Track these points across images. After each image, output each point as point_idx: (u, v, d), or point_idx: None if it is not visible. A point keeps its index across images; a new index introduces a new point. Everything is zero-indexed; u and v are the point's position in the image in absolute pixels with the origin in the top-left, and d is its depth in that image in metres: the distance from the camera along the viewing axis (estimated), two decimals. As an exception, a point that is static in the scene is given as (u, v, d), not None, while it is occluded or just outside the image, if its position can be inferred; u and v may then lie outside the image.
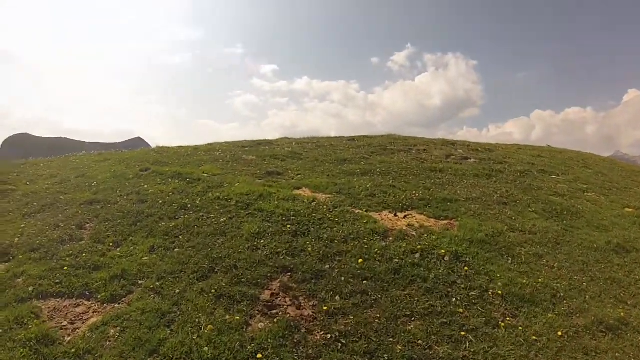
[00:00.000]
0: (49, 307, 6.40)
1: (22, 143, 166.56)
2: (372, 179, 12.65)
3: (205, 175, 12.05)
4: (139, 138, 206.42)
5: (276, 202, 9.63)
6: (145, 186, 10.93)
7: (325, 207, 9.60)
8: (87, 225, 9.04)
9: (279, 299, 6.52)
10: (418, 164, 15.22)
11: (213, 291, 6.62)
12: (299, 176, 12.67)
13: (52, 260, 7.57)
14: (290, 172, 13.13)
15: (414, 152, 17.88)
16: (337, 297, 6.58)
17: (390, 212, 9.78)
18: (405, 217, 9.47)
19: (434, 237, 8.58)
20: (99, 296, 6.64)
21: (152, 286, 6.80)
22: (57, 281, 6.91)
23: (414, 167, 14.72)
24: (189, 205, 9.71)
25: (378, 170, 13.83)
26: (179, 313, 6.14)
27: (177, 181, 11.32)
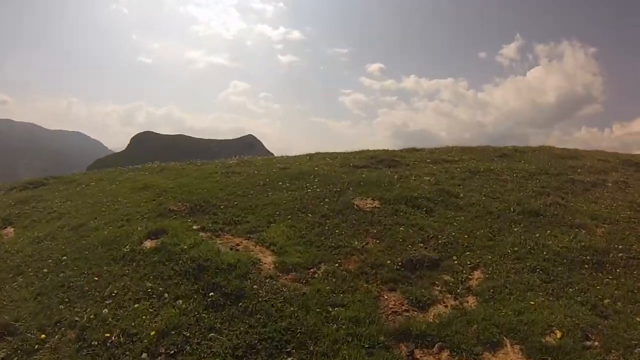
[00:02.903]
0: None
1: (147, 140, 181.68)
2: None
3: (266, 271, 6.14)
4: (251, 135, 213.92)
5: None
6: (106, 310, 5.42)
7: None
8: None
9: None
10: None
11: None
12: (487, 280, 6.21)
13: None
14: (455, 255, 6.87)
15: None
16: None
17: None
18: None
19: None
20: None
21: None
22: None
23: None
24: None
25: None
26: None
27: (183, 299, 5.47)
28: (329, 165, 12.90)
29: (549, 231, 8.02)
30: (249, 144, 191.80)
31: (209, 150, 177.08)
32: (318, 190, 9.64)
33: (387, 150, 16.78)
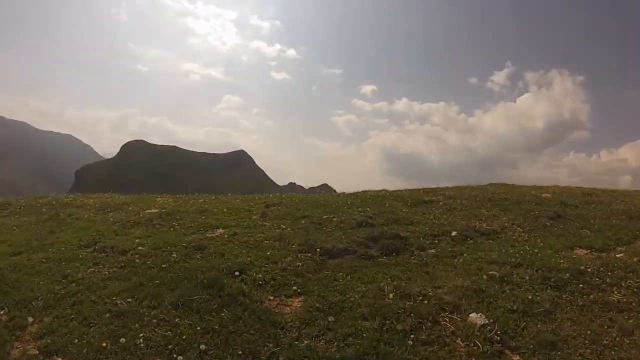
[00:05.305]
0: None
1: (138, 149, 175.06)
2: None
3: None
4: (242, 151, 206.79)
5: None
6: None
7: None
8: None
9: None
10: None
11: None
12: None
13: None
14: None
15: None
16: None
17: None
18: None
19: None
20: None
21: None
22: None
23: None
24: None
25: None
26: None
27: None
28: (278, 246, 7.60)
29: None
30: (239, 160, 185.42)
31: (198, 163, 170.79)
32: None
33: (385, 195, 11.88)
